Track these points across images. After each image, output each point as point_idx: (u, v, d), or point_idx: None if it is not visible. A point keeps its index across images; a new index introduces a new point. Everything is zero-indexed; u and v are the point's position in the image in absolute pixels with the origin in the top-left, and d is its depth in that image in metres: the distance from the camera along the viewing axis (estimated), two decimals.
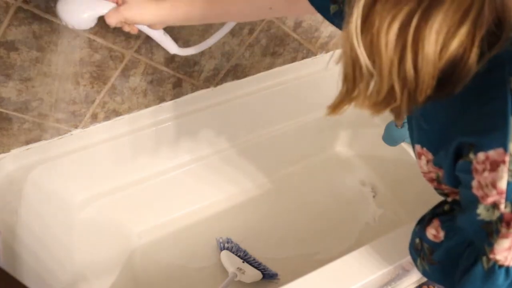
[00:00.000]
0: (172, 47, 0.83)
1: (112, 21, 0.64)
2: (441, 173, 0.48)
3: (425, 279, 1.34)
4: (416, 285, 1.32)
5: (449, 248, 0.49)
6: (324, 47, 1.32)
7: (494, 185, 0.36)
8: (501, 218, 0.38)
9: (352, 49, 0.38)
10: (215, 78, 1.18)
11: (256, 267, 1.24)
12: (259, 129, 1.37)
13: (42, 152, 1.05)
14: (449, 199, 0.53)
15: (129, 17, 0.64)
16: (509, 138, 0.34)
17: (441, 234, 0.50)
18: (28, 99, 0.94)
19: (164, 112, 1.16)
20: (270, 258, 1.31)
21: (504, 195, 0.36)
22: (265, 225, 1.40)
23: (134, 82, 1.05)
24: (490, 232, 0.40)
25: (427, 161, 0.48)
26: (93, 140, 1.10)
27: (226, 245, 1.28)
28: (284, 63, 1.28)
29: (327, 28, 1.25)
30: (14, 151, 1.03)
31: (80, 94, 0.99)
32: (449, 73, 0.36)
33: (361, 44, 0.37)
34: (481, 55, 0.35)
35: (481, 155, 0.37)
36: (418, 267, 0.57)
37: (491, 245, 0.40)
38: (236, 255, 1.27)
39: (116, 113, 1.10)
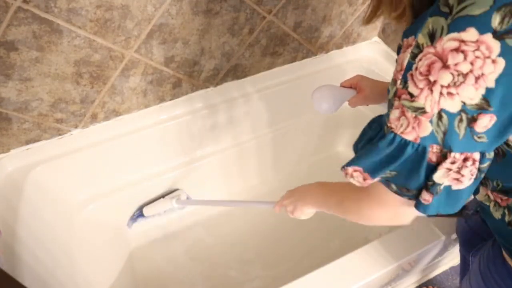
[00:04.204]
0: None
1: (355, 106, 0.86)
2: None
3: (424, 280, 1.34)
4: (416, 285, 1.32)
5: (370, 123, 0.59)
6: (324, 47, 1.32)
7: (401, 63, 0.48)
8: (395, 93, 0.49)
9: None
10: (215, 78, 1.18)
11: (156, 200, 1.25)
12: (259, 129, 1.37)
13: (42, 152, 1.05)
14: None
15: (367, 103, 0.85)
16: (420, 30, 0.45)
17: None
18: (28, 99, 0.94)
19: (164, 112, 1.16)
20: (270, 257, 1.31)
21: (402, 72, 0.48)
22: (265, 225, 1.40)
23: (134, 82, 1.05)
24: (389, 107, 0.51)
25: None
26: (93, 140, 1.10)
27: (132, 221, 1.25)
28: (284, 63, 1.28)
29: (327, 28, 1.25)
30: (14, 151, 1.03)
31: (80, 94, 0.99)
32: None
33: None
34: None
35: (405, 41, 0.49)
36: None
37: (388, 116, 0.51)
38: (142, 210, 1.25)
39: (116, 113, 1.10)
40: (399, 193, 0.55)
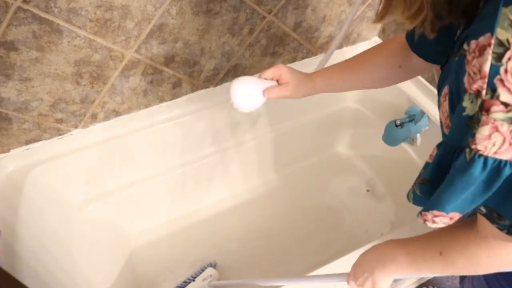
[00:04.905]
0: None
1: (274, 97, 0.76)
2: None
3: (424, 280, 1.34)
4: (416, 285, 1.32)
5: (438, 158, 0.49)
6: (324, 47, 1.32)
7: (480, 69, 0.39)
8: (481, 106, 0.40)
9: None
10: (215, 78, 1.19)
11: (194, 278, 1.22)
12: (259, 129, 1.37)
13: (42, 152, 1.05)
14: None
15: (290, 96, 0.78)
16: (497, 24, 0.38)
17: (434, 152, 0.50)
18: (28, 99, 0.94)
19: (164, 112, 1.16)
20: (270, 258, 1.31)
21: (486, 80, 0.39)
22: (265, 225, 1.40)
23: (134, 82, 1.05)
24: (473, 126, 0.42)
25: (447, 99, 0.50)
26: (93, 140, 1.10)
27: None
28: (284, 63, 1.28)
29: (327, 28, 1.25)
30: (14, 151, 1.03)
31: (80, 94, 0.99)
32: None
33: None
34: None
35: (473, 44, 0.40)
36: (409, 197, 0.56)
37: (473, 136, 0.41)
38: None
39: (116, 113, 1.10)
40: (488, 216, 0.48)
